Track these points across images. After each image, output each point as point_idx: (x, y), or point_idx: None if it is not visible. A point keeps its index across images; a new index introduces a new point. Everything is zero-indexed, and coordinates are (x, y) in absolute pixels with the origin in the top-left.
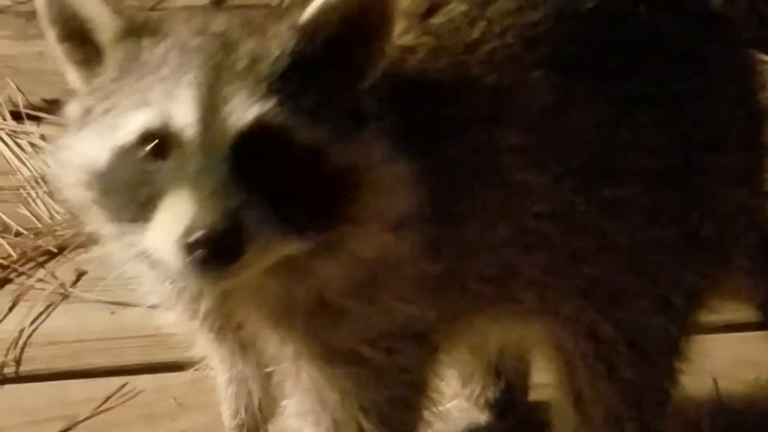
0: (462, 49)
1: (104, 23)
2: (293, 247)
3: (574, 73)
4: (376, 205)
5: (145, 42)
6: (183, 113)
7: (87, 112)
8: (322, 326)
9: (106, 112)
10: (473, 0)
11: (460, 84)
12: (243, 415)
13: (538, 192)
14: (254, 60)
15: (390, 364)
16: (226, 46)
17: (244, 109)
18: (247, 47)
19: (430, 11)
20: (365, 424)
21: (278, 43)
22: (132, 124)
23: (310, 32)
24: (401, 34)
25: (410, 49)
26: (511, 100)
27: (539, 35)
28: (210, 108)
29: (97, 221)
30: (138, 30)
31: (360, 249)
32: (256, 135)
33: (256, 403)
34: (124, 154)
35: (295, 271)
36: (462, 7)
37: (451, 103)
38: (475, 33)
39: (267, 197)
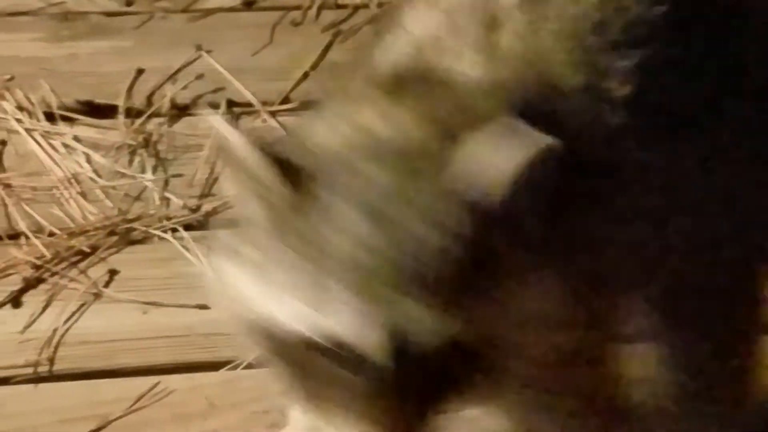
0: (537, 70)
1: (276, 190)
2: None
3: (647, 44)
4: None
5: (303, 207)
6: (355, 334)
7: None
8: None
9: (261, 270)
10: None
11: (553, 114)
12: None
13: (652, 169)
14: (411, 265)
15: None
16: (388, 239)
17: (422, 335)
18: (407, 246)
19: (493, 27)
20: None
21: (438, 239)
22: (288, 315)
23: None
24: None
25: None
26: (599, 92)
27: (605, 18)
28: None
29: None
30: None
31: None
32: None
33: None
34: (283, 340)
35: None
36: (523, 17)
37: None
38: (545, 43)
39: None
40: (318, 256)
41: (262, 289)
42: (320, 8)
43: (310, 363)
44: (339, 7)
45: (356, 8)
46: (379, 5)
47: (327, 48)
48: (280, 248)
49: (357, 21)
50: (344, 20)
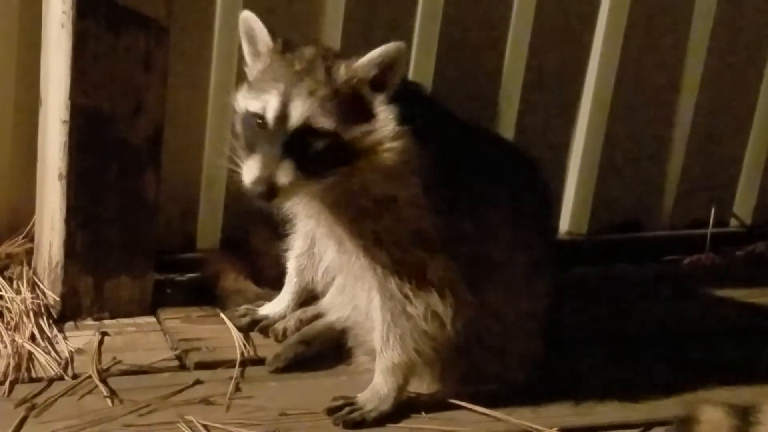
0: None
1: (265, 42)
2: (314, 185)
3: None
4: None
5: (276, 57)
6: (269, 108)
7: (250, 80)
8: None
9: (253, 86)
10: None
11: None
12: (301, 283)
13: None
14: (310, 90)
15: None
16: (299, 76)
17: (298, 113)
18: (306, 81)
19: None
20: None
21: (324, 83)
22: (255, 104)
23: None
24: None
25: None
26: None
27: None
28: (282, 110)
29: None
30: (277, 50)
31: (354, 183)
32: (302, 127)
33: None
34: (250, 117)
35: (333, 191)
36: None
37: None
38: None
39: (301, 160)
40: (273, 75)
41: (250, 94)
42: (13, 383)
43: (250, 126)
44: (33, 380)
45: (51, 381)
46: (74, 377)
47: (21, 423)
48: (265, 71)
49: (53, 393)
50: (39, 393)
